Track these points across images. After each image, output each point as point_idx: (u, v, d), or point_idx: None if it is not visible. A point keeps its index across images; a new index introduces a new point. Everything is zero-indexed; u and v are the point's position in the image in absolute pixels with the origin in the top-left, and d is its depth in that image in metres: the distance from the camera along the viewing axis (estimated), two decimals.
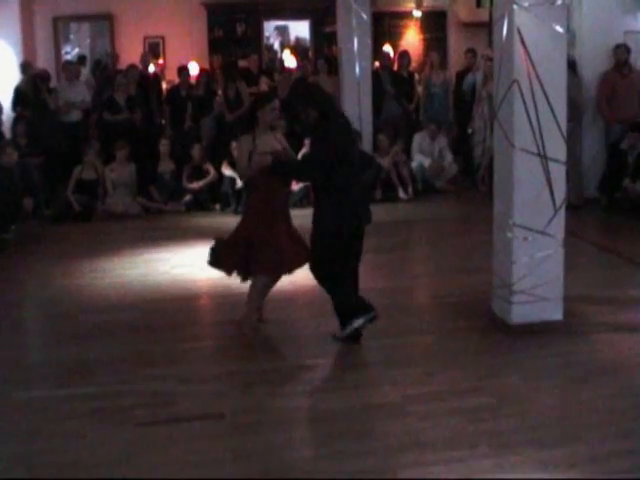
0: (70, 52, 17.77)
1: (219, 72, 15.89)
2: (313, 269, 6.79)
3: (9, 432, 5.50)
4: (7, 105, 14.30)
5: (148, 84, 14.79)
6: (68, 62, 15.65)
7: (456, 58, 17.58)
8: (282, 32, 18.51)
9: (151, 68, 15.70)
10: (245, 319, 6.97)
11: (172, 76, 15.93)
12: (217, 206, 12.90)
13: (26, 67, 14.77)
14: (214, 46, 17.72)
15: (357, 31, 13.64)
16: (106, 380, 6.23)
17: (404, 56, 15.23)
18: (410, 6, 18.27)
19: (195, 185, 13.04)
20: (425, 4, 17.82)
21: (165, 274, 9.26)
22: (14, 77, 14.71)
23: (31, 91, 14.25)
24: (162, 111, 14.76)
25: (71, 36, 18.09)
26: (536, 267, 6.88)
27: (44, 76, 14.60)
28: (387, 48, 16.77)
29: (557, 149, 6.81)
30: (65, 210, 12.45)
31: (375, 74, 14.42)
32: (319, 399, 5.94)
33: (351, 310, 6.70)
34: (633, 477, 4.65)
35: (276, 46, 18.32)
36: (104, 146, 13.55)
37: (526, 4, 6.59)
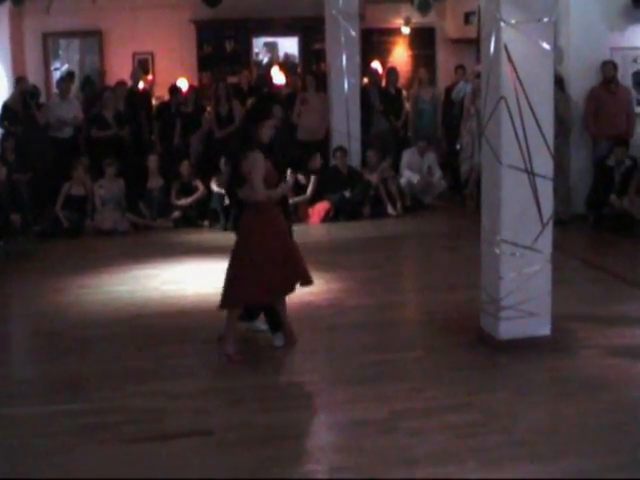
0: (59, 68, 17.76)
1: (210, 89, 15.87)
2: None
3: None
4: None
5: (137, 100, 14.79)
6: (61, 79, 15.61)
7: (444, 74, 17.67)
8: (271, 48, 18.53)
9: (140, 84, 15.69)
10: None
11: (161, 92, 15.94)
12: (206, 222, 12.87)
13: (20, 82, 14.70)
14: (203, 62, 17.74)
15: (345, 48, 13.73)
16: (93, 396, 6.21)
17: (392, 72, 15.27)
18: (399, 23, 18.34)
19: (184, 201, 13.03)
20: (414, 21, 17.87)
21: (154, 290, 9.22)
22: (3, 93, 14.67)
23: (20, 107, 14.22)
24: (151, 127, 14.76)
25: (60, 52, 18.10)
26: (524, 283, 6.89)
27: (34, 92, 14.57)
28: (375, 64, 16.79)
29: (544, 165, 6.83)
30: (53, 226, 12.40)
31: (363, 90, 14.48)
32: (307, 415, 5.94)
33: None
34: None
35: (265, 62, 18.33)
36: (93, 162, 13.52)
37: (513, 21, 6.62)
